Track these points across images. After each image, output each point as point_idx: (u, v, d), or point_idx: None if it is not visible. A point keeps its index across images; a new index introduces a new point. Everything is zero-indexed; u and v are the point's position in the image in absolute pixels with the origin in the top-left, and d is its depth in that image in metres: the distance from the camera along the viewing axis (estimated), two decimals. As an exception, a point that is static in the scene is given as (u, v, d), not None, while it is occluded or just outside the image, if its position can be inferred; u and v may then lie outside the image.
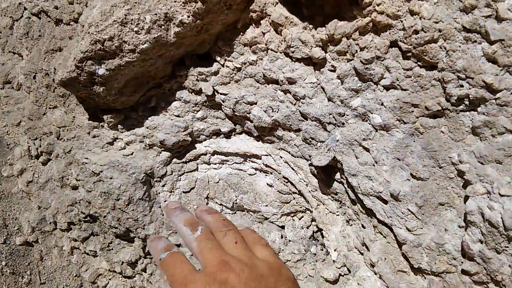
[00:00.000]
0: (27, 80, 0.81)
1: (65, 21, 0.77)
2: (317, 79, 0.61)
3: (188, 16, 0.62)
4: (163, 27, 0.63)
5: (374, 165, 0.56)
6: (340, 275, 0.67)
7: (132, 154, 0.73)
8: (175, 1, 0.61)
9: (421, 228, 0.53)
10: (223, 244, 0.57)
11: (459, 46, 0.48)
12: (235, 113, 0.69)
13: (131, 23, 0.62)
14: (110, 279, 0.79)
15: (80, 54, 0.63)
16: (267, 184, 0.71)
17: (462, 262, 0.51)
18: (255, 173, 0.72)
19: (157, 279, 0.77)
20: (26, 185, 0.78)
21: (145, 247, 0.75)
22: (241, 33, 0.66)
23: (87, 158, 0.73)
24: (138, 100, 0.71)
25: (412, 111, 0.53)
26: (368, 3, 0.53)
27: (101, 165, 0.72)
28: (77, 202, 0.75)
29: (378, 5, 0.53)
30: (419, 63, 0.52)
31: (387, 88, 0.55)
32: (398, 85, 0.53)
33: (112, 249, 0.77)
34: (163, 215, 0.74)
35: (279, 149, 0.69)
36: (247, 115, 0.67)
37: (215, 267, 0.55)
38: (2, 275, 0.72)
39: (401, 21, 0.51)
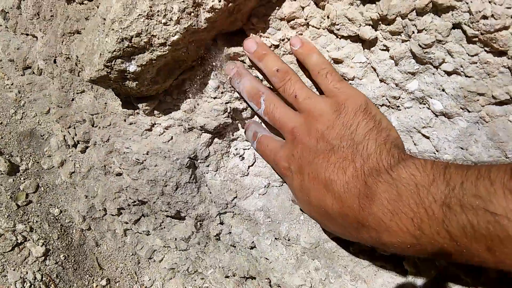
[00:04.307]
0: (47, 65, 0.78)
1: (78, 1, 0.72)
2: (367, 59, 0.58)
3: (220, 1, 0.57)
4: (192, 14, 0.58)
5: (435, 153, 0.55)
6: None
7: (172, 139, 0.72)
8: (202, -15, 0.57)
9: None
10: (286, 99, 0.63)
11: (535, 35, 0.45)
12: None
13: (158, 15, 0.58)
14: (165, 254, 0.84)
15: (107, 54, 0.60)
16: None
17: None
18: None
19: (211, 250, 0.81)
20: (69, 176, 0.80)
21: (197, 223, 0.78)
22: (277, 8, 0.61)
23: (127, 148, 0.73)
24: (171, 84, 0.69)
25: (478, 100, 0.50)
26: (427, -17, 0.48)
27: (143, 154, 0.72)
28: (123, 189, 0.77)
29: (439, -15, 0.48)
30: (485, 48, 0.48)
31: (449, 73, 0.52)
32: (462, 71, 0.50)
33: (164, 227, 0.80)
34: (211, 193, 0.75)
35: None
36: (290, 93, 0.65)
37: (288, 138, 0.61)
38: (64, 269, 0.76)
39: (466, 3, 0.47)
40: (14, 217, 0.75)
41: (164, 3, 0.57)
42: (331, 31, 0.59)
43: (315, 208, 0.56)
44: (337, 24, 0.57)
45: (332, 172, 0.52)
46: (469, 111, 0.51)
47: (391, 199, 0.45)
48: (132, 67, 0.62)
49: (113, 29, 0.59)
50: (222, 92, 0.68)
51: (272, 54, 0.63)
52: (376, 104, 0.59)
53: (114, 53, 0.60)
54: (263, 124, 0.71)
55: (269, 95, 0.63)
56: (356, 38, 0.58)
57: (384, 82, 0.57)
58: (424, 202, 0.43)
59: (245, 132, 0.72)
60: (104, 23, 0.62)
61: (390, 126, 0.56)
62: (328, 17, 0.58)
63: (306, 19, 0.60)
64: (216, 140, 0.73)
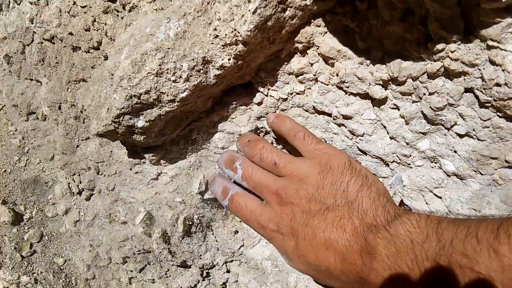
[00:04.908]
0: (52, 111, 0.78)
1: (84, 49, 0.72)
2: (377, 116, 0.58)
3: (229, 59, 0.57)
4: (202, 71, 0.59)
5: (447, 214, 0.55)
6: None
7: (178, 187, 0.72)
8: (212, 43, 0.57)
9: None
10: (265, 167, 0.64)
11: (549, 105, 0.45)
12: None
13: (167, 73, 0.58)
14: (171, 301, 0.83)
15: (116, 110, 0.60)
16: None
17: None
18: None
19: (218, 297, 0.80)
20: (74, 225, 0.79)
21: (203, 272, 0.77)
22: (286, 63, 0.62)
23: (133, 197, 0.73)
24: (178, 134, 0.69)
25: (490, 163, 0.50)
26: (440, 50, 0.48)
27: (150, 204, 0.72)
28: (129, 238, 0.76)
29: (452, 52, 0.48)
30: (498, 113, 0.48)
31: (461, 135, 0.52)
32: (474, 135, 0.50)
33: (170, 276, 0.80)
34: (217, 241, 0.75)
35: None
36: (298, 146, 0.65)
37: (273, 200, 0.60)
38: (70, 320, 0.75)
39: (479, 70, 0.47)
40: (18, 269, 0.74)
41: (174, 61, 0.57)
42: (340, 88, 0.59)
43: (314, 267, 0.56)
44: (346, 82, 0.57)
45: (331, 231, 0.53)
46: (482, 174, 0.51)
47: (390, 255, 0.46)
48: (141, 123, 0.62)
49: (121, 86, 0.59)
50: (231, 142, 0.69)
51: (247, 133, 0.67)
52: (386, 161, 0.59)
53: (123, 110, 0.60)
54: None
55: (245, 160, 0.64)
56: (365, 95, 0.58)
57: (395, 140, 0.57)
58: (418, 259, 0.44)
59: (209, 187, 0.71)
60: (112, 78, 0.62)
61: (376, 179, 0.58)
62: (337, 75, 0.58)
63: (314, 75, 0.60)
64: (223, 189, 0.73)
